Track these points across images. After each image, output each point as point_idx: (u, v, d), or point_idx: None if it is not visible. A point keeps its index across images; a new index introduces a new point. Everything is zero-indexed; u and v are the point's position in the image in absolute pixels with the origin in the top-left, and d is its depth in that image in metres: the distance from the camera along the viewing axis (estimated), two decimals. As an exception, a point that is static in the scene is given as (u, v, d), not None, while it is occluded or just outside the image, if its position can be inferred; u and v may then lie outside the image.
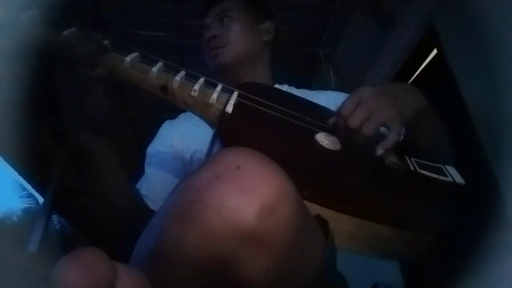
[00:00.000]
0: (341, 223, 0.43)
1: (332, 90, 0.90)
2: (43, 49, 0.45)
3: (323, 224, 0.41)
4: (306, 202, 0.39)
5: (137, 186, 0.68)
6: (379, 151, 0.51)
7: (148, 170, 0.74)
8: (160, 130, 0.82)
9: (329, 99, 0.76)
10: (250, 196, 0.30)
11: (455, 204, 0.52)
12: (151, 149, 0.78)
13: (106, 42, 0.50)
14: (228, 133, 0.48)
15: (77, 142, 0.50)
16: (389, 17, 1.22)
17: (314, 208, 0.41)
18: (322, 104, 0.68)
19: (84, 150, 0.50)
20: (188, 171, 0.74)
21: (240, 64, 0.80)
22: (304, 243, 0.35)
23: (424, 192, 0.52)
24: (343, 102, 0.54)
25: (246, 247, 0.30)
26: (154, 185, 0.69)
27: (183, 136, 0.78)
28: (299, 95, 0.74)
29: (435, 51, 1.00)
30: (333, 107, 0.69)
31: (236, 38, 0.80)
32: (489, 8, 0.70)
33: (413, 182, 0.53)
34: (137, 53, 0.51)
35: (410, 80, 1.13)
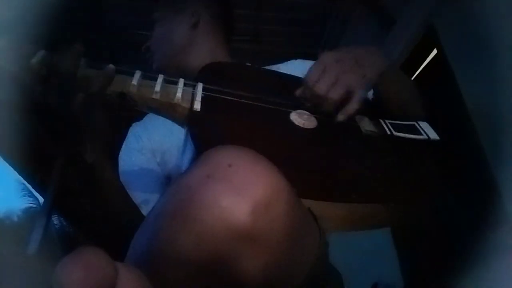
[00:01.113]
0: (331, 210, 0.43)
1: (296, 59, 0.88)
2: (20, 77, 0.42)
3: (314, 218, 0.41)
4: None
5: None
6: (340, 117, 0.52)
7: (124, 177, 0.72)
8: (128, 134, 0.81)
9: (294, 68, 0.75)
10: (243, 194, 0.30)
11: (434, 162, 0.53)
12: (123, 155, 0.76)
13: (41, 52, 0.44)
14: (201, 134, 0.46)
15: (81, 159, 0.48)
16: (389, 17, 1.22)
17: (305, 202, 0.41)
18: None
19: (87, 166, 0.48)
20: (162, 172, 0.73)
21: (175, 61, 0.79)
22: (300, 238, 0.36)
23: (404, 159, 0.53)
24: (308, 71, 0.54)
25: (241, 246, 0.30)
26: (134, 190, 0.68)
27: (151, 136, 0.76)
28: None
29: (435, 51, 1.00)
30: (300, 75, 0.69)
31: (159, 41, 0.81)
32: (489, 8, 0.70)
33: (393, 150, 0.54)
34: (83, 60, 0.47)
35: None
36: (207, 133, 0.47)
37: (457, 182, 0.51)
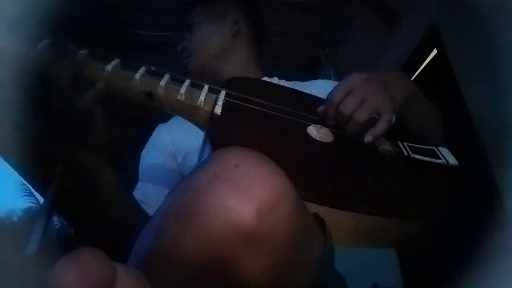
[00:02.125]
0: (340, 219, 0.43)
1: (322, 79, 0.89)
2: (22, 63, 0.44)
3: (320, 223, 0.41)
4: (304, 201, 0.39)
5: (134, 192, 0.68)
6: (368, 138, 0.51)
7: (143, 175, 0.74)
8: (152, 134, 0.82)
9: (318, 88, 0.75)
10: (249, 195, 0.30)
11: (450, 186, 0.52)
12: (145, 154, 0.78)
13: (83, 51, 0.48)
14: (219, 136, 0.47)
15: (77, 163, 0.49)
16: (391, 17, 1.22)
17: (312, 207, 0.41)
18: (313, 94, 0.67)
19: (83, 169, 0.49)
20: (181, 173, 0.74)
21: (211, 65, 0.81)
22: (303, 243, 0.36)
23: (419, 178, 0.53)
24: (333, 89, 0.53)
25: (245, 247, 0.30)
26: (150, 190, 0.69)
27: (174, 139, 0.78)
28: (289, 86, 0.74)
29: (435, 51, 1.00)
30: (323, 96, 0.69)
31: (199, 43, 0.81)
32: (491, 8, 0.69)
33: (408, 169, 0.53)
34: (117, 60, 0.50)
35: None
36: (224, 135, 0.48)
37: (467, 204, 0.50)
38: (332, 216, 0.42)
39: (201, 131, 0.54)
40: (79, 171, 0.49)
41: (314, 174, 0.47)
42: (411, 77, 1.13)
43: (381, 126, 0.51)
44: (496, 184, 0.59)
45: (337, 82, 0.80)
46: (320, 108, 0.54)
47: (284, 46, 1.62)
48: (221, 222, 0.29)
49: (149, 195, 0.68)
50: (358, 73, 0.54)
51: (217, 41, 0.82)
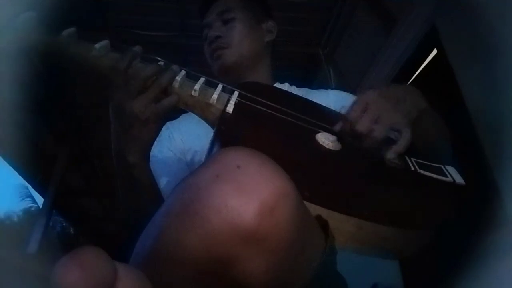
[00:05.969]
0: (341, 224, 0.43)
1: (332, 89, 0.90)
2: (46, 52, 0.45)
3: (324, 225, 0.41)
4: (306, 203, 0.39)
5: None
6: (391, 155, 0.52)
7: (154, 170, 0.74)
8: (161, 132, 0.82)
9: (329, 98, 0.76)
10: (250, 196, 0.30)
11: (455, 204, 0.52)
12: (155, 149, 0.78)
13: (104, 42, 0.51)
14: (228, 133, 0.48)
15: (124, 158, 0.54)
16: (390, 17, 1.22)
17: (315, 209, 0.41)
18: (322, 103, 0.68)
19: (129, 164, 0.54)
20: (190, 170, 0.75)
21: (243, 65, 0.80)
22: (304, 243, 0.35)
23: (424, 192, 0.53)
24: (350, 107, 0.54)
25: (246, 247, 0.30)
26: (162, 184, 0.69)
27: (184, 137, 0.78)
28: (300, 94, 0.74)
29: (435, 51, 1.00)
30: (333, 106, 0.69)
31: (240, 39, 0.79)
32: (490, 8, 0.70)
33: (413, 182, 0.53)
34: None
35: (410, 80, 1.13)
36: (234, 133, 0.49)
37: (473, 224, 0.50)
38: (334, 220, 0.42)
39: (209, 131, 0.55)
40: (124, 167, 0.54)
41: (319, 176, 0.47)
42: (411, 77, 1.13)
43: (402, 143, 0.52)
44: (496, 184, 0.59)
45: (347, 93, 0.81)
46: (337, 126, 0.55)
47: (285, 45, 1.62)
48: (222, 222, 0.29)
49: (161, 189, 0.68)
50: (372, 90, 0.55)
51: (256, 43, 0.81)
